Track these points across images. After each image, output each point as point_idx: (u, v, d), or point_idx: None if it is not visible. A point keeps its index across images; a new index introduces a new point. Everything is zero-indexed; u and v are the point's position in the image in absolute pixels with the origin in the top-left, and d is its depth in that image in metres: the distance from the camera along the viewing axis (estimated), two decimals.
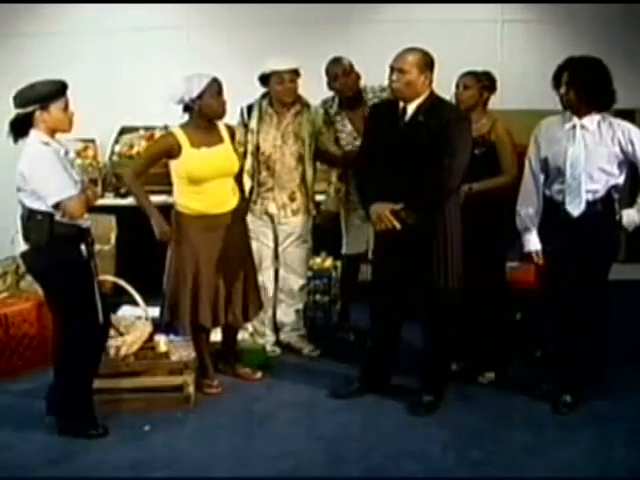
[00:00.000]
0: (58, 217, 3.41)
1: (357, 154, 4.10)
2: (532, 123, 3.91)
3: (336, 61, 4.54)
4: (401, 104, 3.74)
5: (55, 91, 3.37)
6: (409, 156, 3.67)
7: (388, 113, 3.81)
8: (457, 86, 4.06)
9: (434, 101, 3.74)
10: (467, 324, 4.16)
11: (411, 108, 3.72)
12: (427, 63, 3.70)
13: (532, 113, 4.22)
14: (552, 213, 3.79)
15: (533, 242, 3.85)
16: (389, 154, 3.72)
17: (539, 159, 3.79)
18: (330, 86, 4.57)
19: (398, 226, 3.67)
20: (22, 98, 3.37)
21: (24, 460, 3.51)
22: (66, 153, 3.46)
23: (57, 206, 3.38)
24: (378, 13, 5.80)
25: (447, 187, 3.70)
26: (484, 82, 4.06)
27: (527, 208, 3.83)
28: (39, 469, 3.44)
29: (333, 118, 4.55)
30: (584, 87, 3.62)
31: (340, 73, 4.50)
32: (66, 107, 3.42)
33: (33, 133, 3.38)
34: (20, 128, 3.39)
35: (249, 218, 4.34)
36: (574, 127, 3.69)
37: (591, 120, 3.67)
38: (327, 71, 4.56)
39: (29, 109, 3.35)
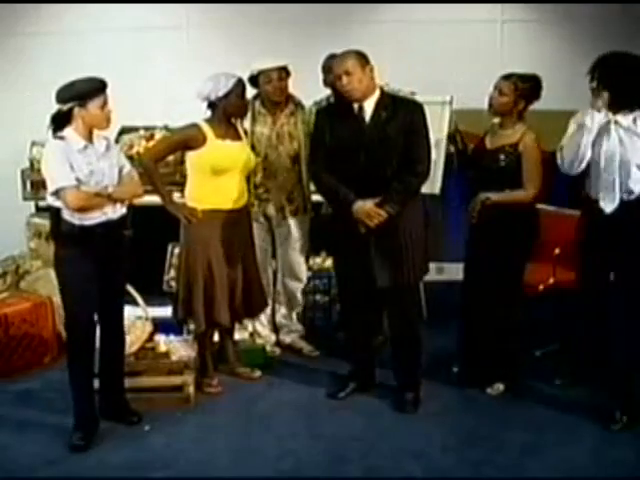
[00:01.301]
0: (63, 214, 3.46)
1: (312, 160, 3.98)
2: (532, 123, 3.90)
3: (333, 56, 4.54)
4: (355, 105, 3.76)
5: (93, 89, 3.45)
6: (379, 152, 3.70)
7: (342, 115, 3.81)
8: (495, 87, 3.85)
9: (390, 97, 3.80)
10: (468, 328, 4.11)
11: (369, 106, 3.75)
12: (363, 59, 3.73)
13: (532, 113, 4.20)
14: (588, 211, 3.73)
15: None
16: (355, 154, 3.73)
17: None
18: (325, 82, 4.57)
19: (385, 215, 3.70)
20: (62, 95, 3.46)
21: (24, 460, 3.52)
22: (85, 147, 3.47)
23: (57, 194, 3.44)
24: (378, 14, 5.80)
25: (426, 174, 3.79)
26: (523, 90, 3.80)
27: None
28: (39, 469, 3.45)
29: None
30: (615, 84, 3.53)
31: None
32: (104, 105, 3.49)
33: (65, 130, 3.46)
34: (60, 123, 3.48)
35: None
36: (608, 123, 3.60)
37: (625, 116, 3.58)
38: (323, 67, 4.56)
39: (68, 105, 3.44)
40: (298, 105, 4.41)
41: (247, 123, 4.31)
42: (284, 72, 4.26)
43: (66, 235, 3.50)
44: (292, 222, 4.46)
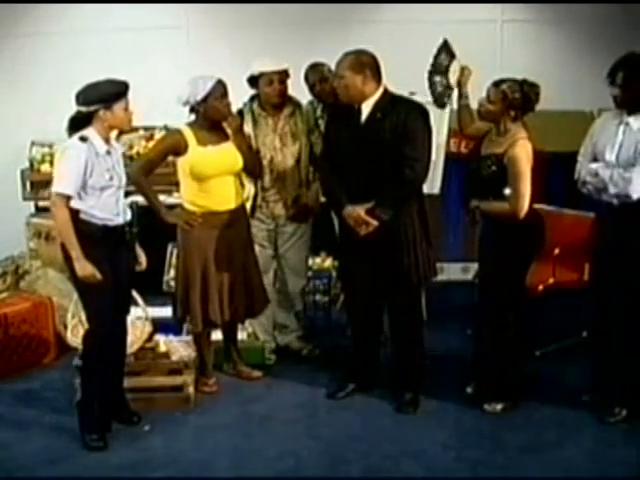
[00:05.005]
0: (81, 215, 3.43)
1: (321, 157, 4.08)
2: (531, 124, 3.89)
3: (314, 67, 4.52)
4: (356, 106, 3.76)
5: (119, 92, 3.46)
6: (372, 154, 3.70)
7: (346, 115, 3.81)
8: (486, 93, 3.73)
9: (389, 98, 3.76)
10: (480, 346, 4.03)
11: (366, 108, 3.73)
12: (361, 64, 3.69)
13: (532, 113, 4.20)
14: (596, 203, 3.70)
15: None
16: (352, 155, 3.75)
17: (589, 150, 3.69)
18: (311, 92, 4.56)
19: (375, 224, 3.69)
20: (86, 97, 3.43)
21: (24, 460, 3.52)
22: (108, 152, 3.48)
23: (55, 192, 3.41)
24: (377, 13, 5.81)
25: (416, 178, 3.73)
26: (512, 100, 3.62)
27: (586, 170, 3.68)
28: (39, 469, 3.45)
29: (319, 120, 4.50)
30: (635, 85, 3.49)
31: (317, 80, 4.49)
32: (127, 107, 3.49)
33: (86, 131, 3.44)
34: (79, 125, 3.46)
35: (254, 223, 4.34)
36: (620, 123, 3.59)
37: (637, 119, 3.54)
38: (306, 77, 4.55)
39: (93, 108, 3.42)
40: (296, 105, 4.39)
41: (249, 127, 4.28)
42: (285, 75, 4.25)
43: (86, 236, 3.44)
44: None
